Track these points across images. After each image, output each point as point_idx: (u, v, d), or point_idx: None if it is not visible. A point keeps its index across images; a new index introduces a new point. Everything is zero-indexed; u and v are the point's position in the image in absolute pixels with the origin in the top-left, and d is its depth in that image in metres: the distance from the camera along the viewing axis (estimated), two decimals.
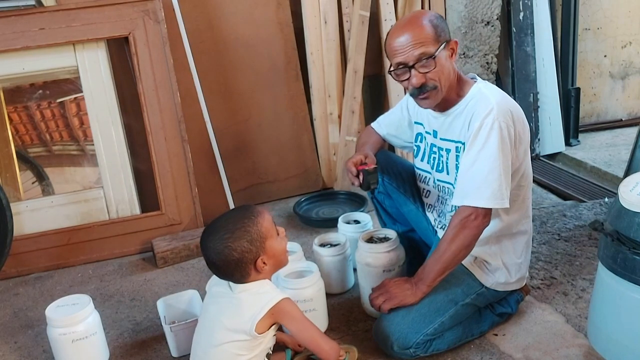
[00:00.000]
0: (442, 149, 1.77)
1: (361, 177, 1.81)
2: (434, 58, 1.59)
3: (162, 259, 2.44)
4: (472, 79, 1.73)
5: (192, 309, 1.89)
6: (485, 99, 1.62)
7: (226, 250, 1.44)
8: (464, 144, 1.67)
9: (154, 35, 2.56)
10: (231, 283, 1.51)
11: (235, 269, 1.46)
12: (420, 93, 1.65)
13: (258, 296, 1.47)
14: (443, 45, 1.60)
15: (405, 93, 1.86)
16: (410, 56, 1.59)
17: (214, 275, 1.57)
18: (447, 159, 1.75)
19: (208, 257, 1.48)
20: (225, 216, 1.52)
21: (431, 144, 1.81)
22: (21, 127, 2.59)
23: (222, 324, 1.47)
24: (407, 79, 1.63)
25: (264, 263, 1.48)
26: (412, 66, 1.60)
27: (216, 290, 1.56)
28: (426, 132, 1.84)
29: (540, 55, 3.32)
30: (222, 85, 2.88)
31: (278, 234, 1.53)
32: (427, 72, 1.60)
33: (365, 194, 2.12)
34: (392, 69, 1.66)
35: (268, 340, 1.51)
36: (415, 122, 1.89)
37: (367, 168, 1.80)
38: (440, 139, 1.76)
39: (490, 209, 1.60)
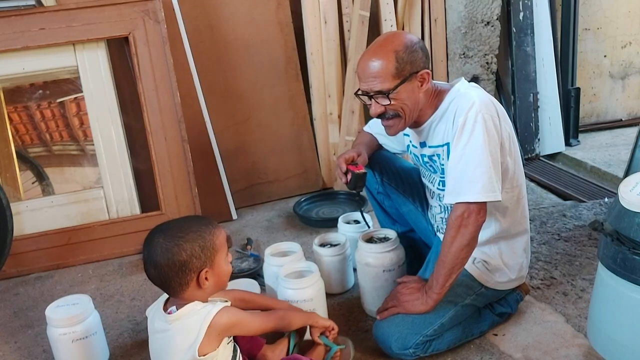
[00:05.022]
0: (433, 156, 1.75)
1: (349, 177, 1.82)
2: (391, 94, 1.60)
3: None
4: (454, 84, 1.71)
5: None
6: (466, 96, 1.62)
7: (175, 248, 1.33)
8: (448, 144, 1.65)
9: (154, 35, 2.56)
10: (166, 316, 1.38)
11: (177, 273, 1.34)
12: (382, 119, 1.68)
13: (192, 319, 1.35)
14: (405, 79, 1.59)
15: None
16: (369, 89, 1.62)
17: (152, 305, 1.47)
18: (442, 163, 1.73)
19: (152, 255, 1.35)
20: (182, 219, 1.46)
21: (422, 154, 1.80)
22: (21, 127, 2.59)
23: None
24: (370, 105, 1.66)
25: (207, 278, 1.37)
26: (372, 96, 1.63)
27: (155, 325, 1.43)
28: (413, 145, 1.84)
29: (540, 55, 3.32)
30: (222, 85, 2.88)
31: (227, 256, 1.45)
32: (386, 105, 1.62)
33: (365, 194, 2.12)
34: (357, 91, 1.68)
35: (225, 354, 1.40)
36: (404, 134, 1.88)
37: (356, 171, 1.81)
38: (429, 146, 1.75)
39: (485, 203, 1.57)
